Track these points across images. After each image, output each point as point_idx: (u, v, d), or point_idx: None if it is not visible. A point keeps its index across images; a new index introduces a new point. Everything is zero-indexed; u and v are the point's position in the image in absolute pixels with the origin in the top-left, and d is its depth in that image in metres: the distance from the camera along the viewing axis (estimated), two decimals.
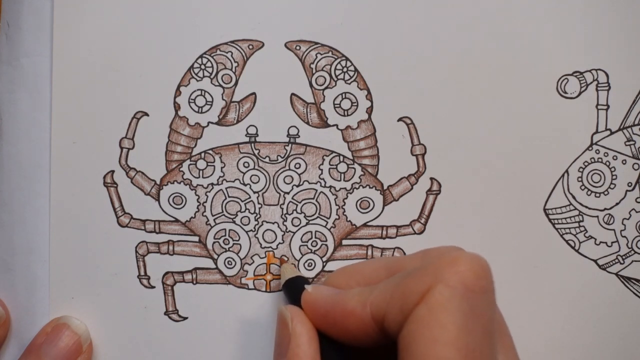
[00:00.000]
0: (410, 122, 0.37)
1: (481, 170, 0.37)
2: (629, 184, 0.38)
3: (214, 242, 0.37)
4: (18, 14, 0.36)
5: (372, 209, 0.37)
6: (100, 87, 0.36)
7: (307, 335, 0.29)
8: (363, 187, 0.37)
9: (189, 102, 0.37)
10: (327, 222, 0.37)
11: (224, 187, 0.37)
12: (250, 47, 0.37)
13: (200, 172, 0.37)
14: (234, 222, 0.37)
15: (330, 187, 0.37)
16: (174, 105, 0.37)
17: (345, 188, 0.37)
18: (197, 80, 0.37)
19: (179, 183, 0.37)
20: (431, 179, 0.37)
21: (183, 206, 0.37)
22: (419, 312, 0.26)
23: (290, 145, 0.37)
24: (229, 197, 0.37)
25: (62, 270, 0.36)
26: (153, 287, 0.37)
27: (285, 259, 0.37)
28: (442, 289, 0.26)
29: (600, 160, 0.38)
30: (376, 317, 0.28)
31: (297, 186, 0.37)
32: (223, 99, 0.37)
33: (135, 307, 0.37)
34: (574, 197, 0.38)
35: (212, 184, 0.37)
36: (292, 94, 0.37)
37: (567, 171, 0.38)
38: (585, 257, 0.38)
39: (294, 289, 0.32)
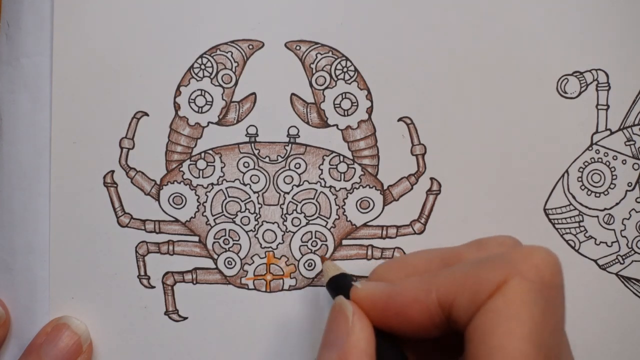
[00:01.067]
0: (410, 122, 0.37)
1: (481, 170, 0.37)
2: (629, 184, 0.38)
3: (214, 242, 0.37)
4: (18, 14, 0.36)
5: (372, 209, 0.37)
6: (100, 87, 0.36)
7: (366, 331, 0.28)
8: (363, 187, 0.37)
9: (189, 102, 0.37)
10: (327, 222, 0.37)
11: (224, 187, 0.37)
12: (250, 47, 0.37)
13: (200, 172, 0.37)
14: (234, 222, 0.37)
15: (330, 187, 0.37)
16: (174, 105, 0.37)
17: (345, 188, 0.37)
18: (197, 80, 0.37)
19: (179, 183, 0.37)
20: (431, 179, 0.37)
21: (183, 206, 0.37)
22: (495, 303, 0.25)
23: (290, 145, 0.37)
24: (229, 197, 0.37)
25: (62, 270, 0.36)
26: (153, 287, 0.37)
27: (326, 257, 0.36)
28: (520, 282, 0.25)
29: (600, 160, 0.38)
30: (443, 304, 0.27)
31: (297, 186, 0.37)
32: (223, 99, 0.37)
33: (135, 307, 0.37)
34: (574, 197, 0.38)
35: (212, 184, 0.37)
36: (292, 94, 0.37)
37: (567, 171, 0.38)
38: (585, 257, 0.38)
39: (339, 287, 0.32)
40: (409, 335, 0.29)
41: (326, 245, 0.37)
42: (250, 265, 0.37)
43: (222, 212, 0.37)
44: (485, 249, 0.29)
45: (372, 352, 0.28)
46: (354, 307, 0.29)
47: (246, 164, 0.37)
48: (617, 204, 0.38)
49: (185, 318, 0.37)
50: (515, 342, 0.24)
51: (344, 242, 0.37)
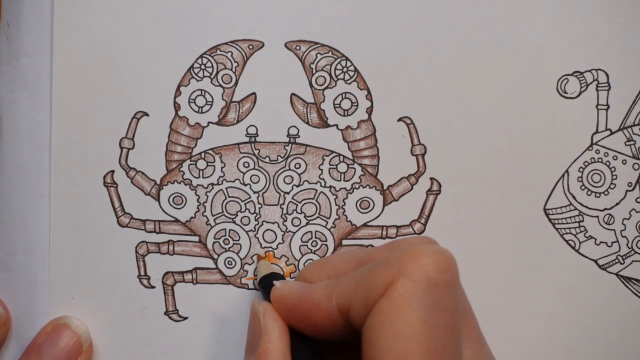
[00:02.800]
0: (410, 122, 0.37)
1: (481, 170, 0.37)
2: (629, 184, 0.38)
3: (214, 242, 0.37)
4: (18, 14, 0.36)
5: (372, 209, 0.37)
6: (100, 87, 0.36)
7: (278, 331, 0.29)
8: (363, 187, 0.37)
9: (189, 102, 0.37)
10: (327, 222, 0.37)
11: (224, 187, 0.37)
12: (250, 47, 0.37)
13: (200, 172, 0.37)
14: (234, 222, 0.37)
15: (330, 187, 0.37)
16: (174, 105, 0.37)
17: (345, 188, 0.37)
18: (197, 80, 0.37)
19: (179, 183, 0.37)
20: (431, 179, 0.37)
21: (183, 206, 0.37)
22: (382, 305, 0.26)
23: (290, 145, 0.37)
24: (229, 197, 0.37)
25: (62, 270, 0.36)
26: (153, 287, 0.37)
27: (263, 255, 0.37)
28: (405, 283, 0.26)
29: (600, 160, 0.38)
30: (342, 309, 0.28)
31: (297, 186, 0.37)
32: (223, 99, 0.37)
33: (135, 307, 0.37)
34: (574, 197, 0.38)
35: (212, 184, 0.37)
36: (292, 94, 0.37)
37: (567, 171, 0.38)
38: (586, 257, 0.38)
39: (267, 286, 0.32)
40: (321, 337, 0.29)
41: (326, 245, 0.37)
42: (250, 265, 0.37)
43: (222, 212, 0.37)
44: (395, 250, 0.30)
45: (285, 349, 0.29)
46: (265, 308, 0.30)
47: (246, 164, 0.37)
48: (617, 204, 0.38)
49: (185, 318, 0.37)
50: (401, 342, 0.25)
51: (344, 242, 0.37)
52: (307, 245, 0.37)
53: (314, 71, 0.37)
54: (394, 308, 0.25)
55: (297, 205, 0.37)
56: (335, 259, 0.32)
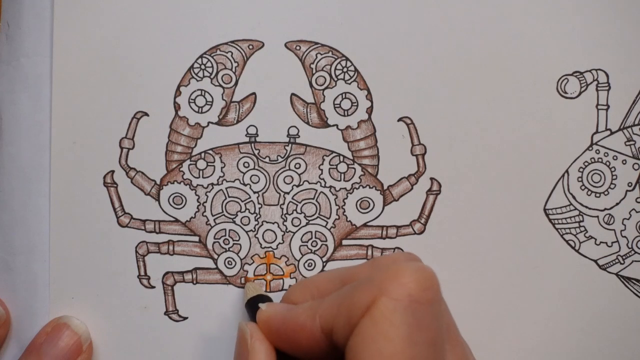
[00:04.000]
0: (410, 122, 0.37)
1: (481, 170, 0.37)
2: (629, 184, 0.38)
3: (214, 242, 0.37)
4: (18, 14, 0.36)
5: (372, 209, 0.37)
6: (100, 87, 0.36)
7: (264, 352, 0.30)
8: (363, 187, 0.37)
9: (189, 102, 0.37)
10: (327, 222, 0.37)
11: (224, 187, 0.37)
12: (250, 47, 0.37)
13: (200, 172, 0.37)
14: (234, 222, 0.37)
15: (330, 187, 0.37)
16: (174, 105, 0.37)
17: (345, 188, 0.37)
18: (197, 80, 0.37)
19: (179, 183, 0.37)
20: (431, 179, 0.37)
21: (183, 206, 0.37)
22: (364, 324, 0.26)
23: (290, 145, 0.37)
24: (229, 197, 0.37)
25: (62, 270, 0.36)
26: (153, 287, 0.37)
27: (249, 277, 0.37)
28: (386, 302, 0.26)
29: (600, 160, 0.38)
30: (325, 330, 0.28)
31: (297, 186, 0.37)
32: (223, 99, 0.37)
33: (135, 307, 0.37)
34: (574, 197, 0.38)
35: (212, 184, 0.37)
36: (292, 94, 0.37)
37: (567, 171, 0.38)
38: (586, 257, 0.38)
39: (254, 307, 0.33)
40: (307, 358, 0.29)
41: (326, 245, 0.37)
42: (250, 265, 0.37)
43: (222, 212, 0.37)
44: (376, 268, 0.30)
45: None
46: (252, 330, 0.31)
47: (246, 164, 0.37)
48: (617, 204, 0.38)
49: (185, 318, 0.37)
50: None
51: (344, 242, 0.37)
52: (307, 245, 0.37)
53: (314, 71, 0.37)
54: (376, 327, 0.25)
55: (297, 205, 0.37)
56: (318, 279, 0.32)
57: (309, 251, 0.37)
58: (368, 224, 0.37)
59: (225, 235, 0.37)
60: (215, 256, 0.37)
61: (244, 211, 0.37)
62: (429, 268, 0.27)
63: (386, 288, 0.26)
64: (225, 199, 0.37)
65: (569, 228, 0.38)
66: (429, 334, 0.26)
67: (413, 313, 0.26)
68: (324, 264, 0.37)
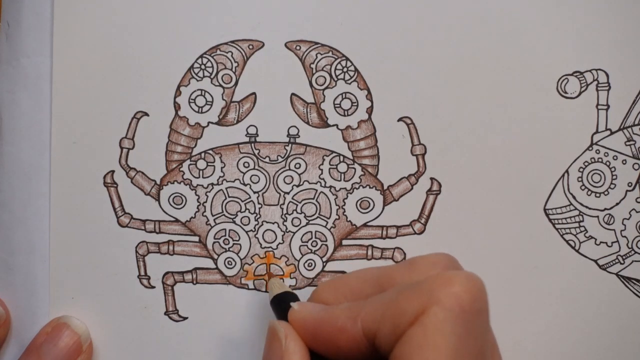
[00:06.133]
0: (410, 122, 0.37)
1: (481, 170, 0.37)
2: (629, 184, 0.38)
3: (214, 242, 0.37)
4: (18, 14, 0.36)
5: (372, 209, 0.37)
6: (100, 87, 0.36)
7: (299, 353, 0.29)
8: (363, 187, 0.37)
9: (189, 102, 0.37)
10: (327, 222, 0.37)
11: (224, 187, 0.37)
12: (250, 47, 0.37)
13: (200, 172, 0.37)
14: (234, 222, 0.37)
15: (331, 187, 0.37)
16: (174, 105, 0.37)
17: (345, 188, 0.37)
18: (197, 80, 0.37)
19: (179, 183, 0.37)
20: (431, 179, 0.37)
21: (183, 206, 0.37)
22: (413, 333, 0.25)
23: (290, 145, 0.37)
24: (229, 197, 0.37)
25: (62, 270, 0.36)
26: (153, 287, 0.37)
27: (273, 273, 0.37)
28: (438, 311, 0.25)
29: (600, 160, 0.38)
30: (368, 334, 0.27)
31: (297, 186, 0.37)
32: (223, 99, 0.37)
33: (135, 307, 0.37)
34: (574, 197, 0.38)
35: (212, 184, 0.37)
36: (292, 94, 0.37)
37: (567, 171, 0.38)
38: (586, 257, 0.38)
39: (281, 305, 0.32)
40: (342, 359, 0.29)
41: (326, 245, 0.37)
42: (250, 265, 0.37)
43: (222, 212, 0.37)
44: (416, 270, 0.29)
45: None
46: (287, 330, 0.30)
47: (246, 164, 0.37)
48: (617, 204, 0.38)
49: (185, 318, 0.37)
50: None
51: (344, 242, 0.37)
52: (307, 245, 0.37)
53: (314, 71, 0.37)
54: (426, 336, 0.25)
55: (297, 205, 0.37)
56: (351, 278, 0.32)
57: (309, 251, 0.37)
58: (368, 224, 0.37)
59: (225, 235, 0.37)
60: (215, 256, 0.37)
61: (244, 211, 0.37)
62: (479, 277, 0.27)
63: (437, 296, 0.26)
64: (225, 199, 0.37)
65: (569, 228, 0.38)
66: (477, 344, 0.26)
67: (463, 323, 0.25)
68: (324, 264, 0.37)
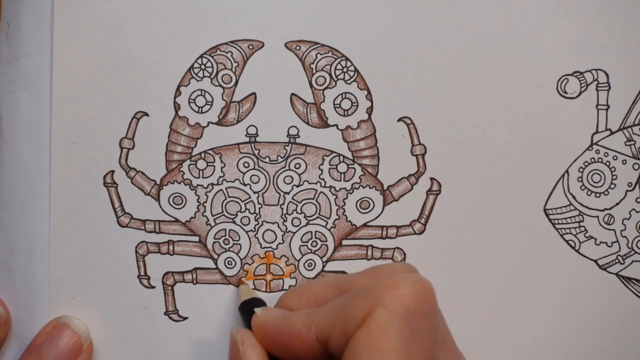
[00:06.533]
0: (410, 122, 0.37)
1: (481, 170, 0.37)
2: (629, 184, 0.38)
3: (214, 242, 0.37)
4: (18, 14, 0.36)
5: (372, 209, 0.37)
6: (100, 87, 0.36)
7: (257, 358, 0.30)
8: (363, 187, 0.37)
9: (189, 102, 0.37)
10: (327, 222, 0.37)
11: (224, 187, 0.37)
12: (250, 47, 0.37)
13: (200, 172, 0.37)
14: (234, 222, 0.37)
15: (330, 187, 0.37)
16: (174, 105, 0.37)
17: (345, 188, 0.37)
18: (197, 80, 0.37)
19: (179, 183, 0.37)
20: (431, 179, 0.37)
21: (183, 206, 0.37)
22: (360, 336, 0.26)
23: (290, 145, 0.37)
24: (229, 197, 0.37)
25: (62, 270, 0.36)
26: (153, 287, 0.37)
27: (243, 280, 0.37)
28: (383, 313, 0.26)
29: (600, 160, 0.38)
30: (321, 339, 0.28)
31: (297, 186, 0.37)
32: (223, 99, 0.37)
33: (135, 307, 0.37)
34: (574, 197, 0.38)
35: (212, 184, 0.37)
36: (292, 94, 0.37)
37: (567, 171, 0.38)
38: (586, 257, 0.38)
39: (248, 312, 0.33)
40: None
41: (326, 245, 0.37)
42: (250, 265, 0.37)
43: (222, 212, 0.37)
44: (375, 277, 0.30)
45: None
46: (244, 336, 0.30)
47: (246, 164, 0.37)
48: (617, 204, 0.38)
49: (185, 318, 0.37)
50: None
51: (344, 242, 0.37)
52: (307, 245, 0.37)
53: (314, 71, 0.37)
54: (372, 339, 0.25)
55: (297, 205, 0.37)
56: (315, 285, 0.32)
57: (309, 251, 0.37)
58: (368, 224, 0.37)
59: (225, 235, 0.37)
60: (215, 256, 0.37)
61: (244, 211, 0.37)
62: (426, 280, 0.27)
63: (382, 299, 0.26)
64: (225, 199, 0.37)
65: (569, 228, 0.38)
66: (424, 346, 0.26)
67: (409, 325, 0.26)
68: (324, 264, 0.37)
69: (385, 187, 0.37)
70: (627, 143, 0.38)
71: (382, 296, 0.26)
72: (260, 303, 0.34)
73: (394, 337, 0.25)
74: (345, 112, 0.37)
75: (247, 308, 0.33)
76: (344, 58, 0.37)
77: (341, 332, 0.27)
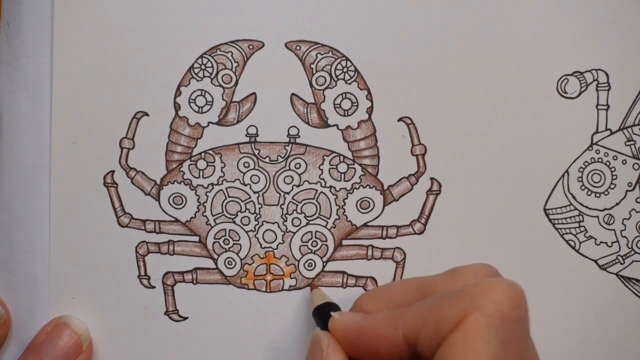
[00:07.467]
0: (410, 122, 0.37)
1: (481, 170, 0.37)
2: (629, 184, 0.38)
3: (214, 242, 0.37)
4: (18, 14, 0.36)
5: (372, 209, 0.37)
6: (100, 87, 0.36)
7: None
8: (363, 187, 0.37)
9: (189, 102, 0.37)
10: (327, 222, 0.37)
11: (224, 187, 0.37)
12: (250, 47, 0.37)
13: (201, 172, 0.37)
14: (234, 222, 0.37)
15: (331, 187, 0.37)
16: (174, 105, 0.37)
17: (345, 188, 0.37)
18: (197, 80, 0.37)
19: (179, 183, 0.37)
20: (431, 179, 0.37)
21: (183, 206, 0.37)
22: (454, 338, 0.26)
23: (290, 145, 0.37)
24: (229, 197, 0.37)
25: (62, 270, 0.36)
26: (153, 287, 0.37)
27: (315, 284, 0.37)
28: (479, 317, 0.26)
29: (600, 160, 0.38)
30: (409, 340, 0.28)
31: (297, 186, 0.37)
32: (223, 99, 0.37)
33: (135, 307, 0.37)
34: (574, 197, 0.38)
35: (212, 184, 0.37)
36: (292, 94, 0.37)
37: (567, 171, 0.38)
38: (586, 257, 0.38)
39: (322, 315, 0.32)
40: None
41: (326, 245, 0.37)
42: (250, 265, 0.37)
43: (222, 212, 0.37)
44: (458, 279, 0.30)
45: None
46: (328, 339, 0.30)
47: (246, 164, 0.37)
48: (617, 204, 0.38)
49: (185, 318, 0.37)
50: None
51: (344, 242, 0.37)
52: (307, 245, 0.37)
53: (314, 71, 0.37)
54: (467, 342, 0.25)
55: (297, 205, 0.37)
56: (392, 288, 0.32)
57: (309, 251, 0.37)
58: (368, 224, 0.37)
59: (225, 235, 0.37)
60: (215, 256, 0.37)
61: (244, 211, 0.37)
62: (519, 285, 0.27)
63: (478, 303, 0.26)
64: (226, 199, 0.37)
65: (569, 228, 0.38)
66: (517, 351, 0.26)
67: (504, 330, 0.26)
68: (324, 264, 0.37)
69: (385, 187, 0.37)
70: (627, 143, 0.38)
71: (478, 300, 0.26)
72: (334, 307, 0.33)
73: (490, 342, 0.25)
74: (346, 112, 0.37)
75: (322, 312, 0.33)
76: (344, 58, 0.37)
77: (433, 333, 0.26)
